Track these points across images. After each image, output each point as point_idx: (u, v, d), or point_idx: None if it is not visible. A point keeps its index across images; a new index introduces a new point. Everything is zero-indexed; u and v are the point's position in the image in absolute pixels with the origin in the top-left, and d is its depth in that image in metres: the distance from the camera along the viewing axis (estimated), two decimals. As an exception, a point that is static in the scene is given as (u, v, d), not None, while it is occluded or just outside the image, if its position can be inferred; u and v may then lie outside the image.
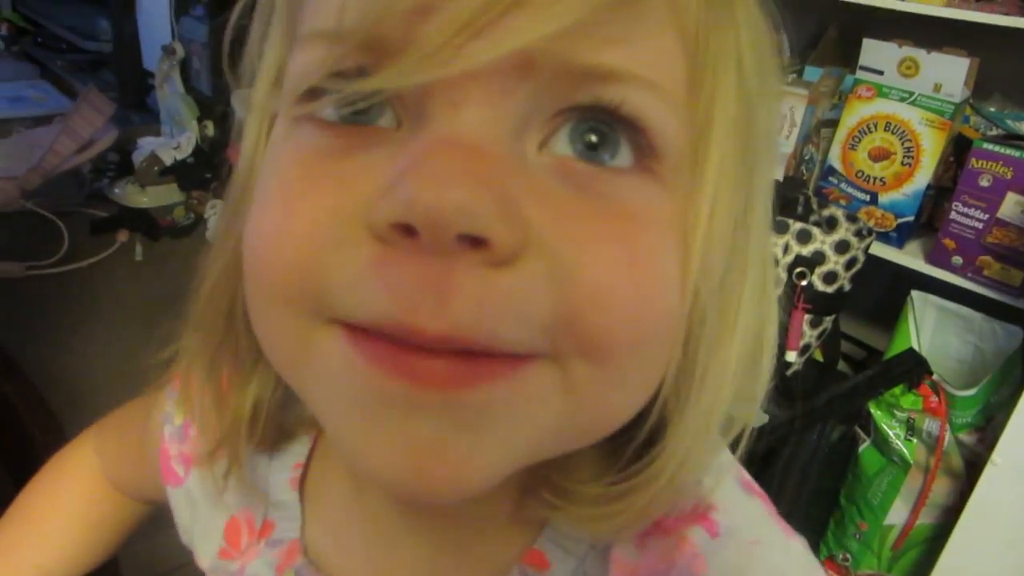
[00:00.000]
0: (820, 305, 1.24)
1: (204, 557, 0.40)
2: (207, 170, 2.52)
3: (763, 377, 0.29)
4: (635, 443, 0.27)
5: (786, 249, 1.24)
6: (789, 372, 1.29)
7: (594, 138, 0.22)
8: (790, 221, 1.25)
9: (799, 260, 1.23)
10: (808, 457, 1.26)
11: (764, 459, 1.32)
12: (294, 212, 0.22)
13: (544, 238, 0.21)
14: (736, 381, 0.27)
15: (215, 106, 2.62)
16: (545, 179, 0.22)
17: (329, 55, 0.22)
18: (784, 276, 1.24)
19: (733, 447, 0.29)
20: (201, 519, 0.40)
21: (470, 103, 0.21)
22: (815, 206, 1.37)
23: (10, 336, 1.11)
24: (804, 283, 1.22)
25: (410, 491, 0.22)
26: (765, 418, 1.37)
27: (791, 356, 1.26)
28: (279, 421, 0.35)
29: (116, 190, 2.47)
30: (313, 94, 0.23)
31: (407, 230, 0.20)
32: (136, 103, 2.93)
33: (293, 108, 0.24)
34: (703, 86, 0.24)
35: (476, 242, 0.20)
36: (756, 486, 0.34)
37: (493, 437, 0.22)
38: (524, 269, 0.21)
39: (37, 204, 2.26)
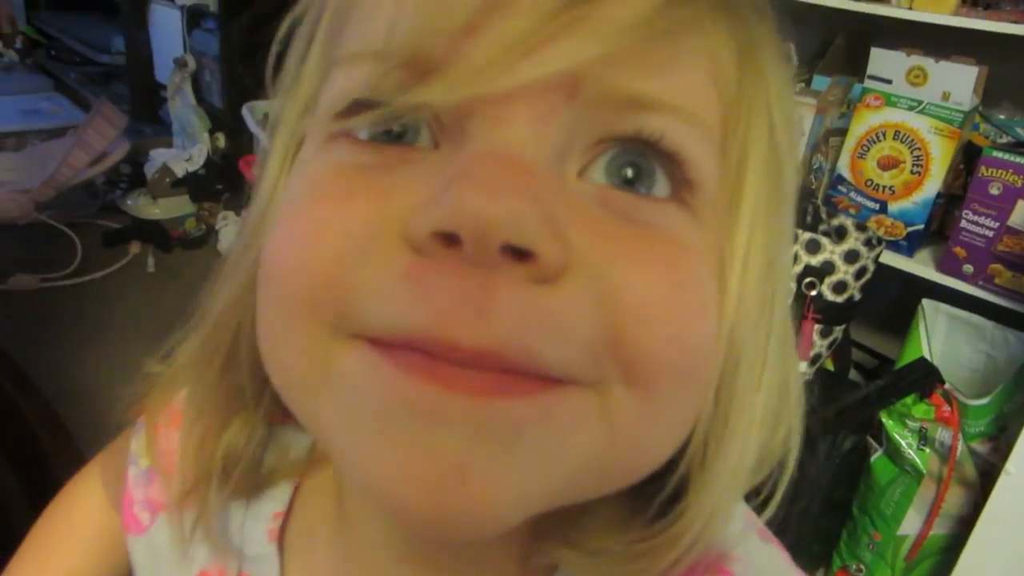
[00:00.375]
0: (830, 315, 1.24)
1: None
2: (218, 181, 2.54)
3: (787, 433, 0.28)
4: (661, 496, 0.26)
5: (795, 259, 1.24)
6: (813, 381, 1.28)
7: (630, 172, 0.23)
8: (799, 231, 1.25)
9: (808, 270, 1.23)
10: (820, 467, 1.25)
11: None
12: (325, 221, 0.22)
13: (587, 258, 0.21)
14: (762, 435, 0.26)
15: (226, 118, 2.64)
16: (586, 203, 0.22)
17: (374, 72, 0.22)
18: (793, 286, 1.24)
19: (763, 504, 0.29)
20: (165, 571, 0.37)
21: (515, 121, 0.21)
22: (824, 215, 1.37)
23: (24, 347, 1.12)
24: (813, 293, 1.22)
25: (426, 521, 0.20)
26: None
27: (801, 366, 1.26)
28: (256, 468, 0.33)
29: (128, 202, 2.49)
30: (353, 110, 0.23)
31: (448, 240, 0.19)
32: (148, 115, 2.95)
33: (331, 124, 0.23)
34: (737, 130, 0.24)
35: (521, 256, 0.19)
36: (769, 533, 0.33)
37: (523, 462, 0.20)
38: (567, 287, 0.20)
39: (50, 216, 2.28)
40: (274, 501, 0.34)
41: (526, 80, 0.20)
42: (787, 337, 0.28)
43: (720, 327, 0.24)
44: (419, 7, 0.21)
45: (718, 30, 0.24)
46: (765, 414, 0.26)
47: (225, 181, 2.54)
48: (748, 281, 0.25)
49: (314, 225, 0.22)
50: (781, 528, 1.28)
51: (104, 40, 3.34)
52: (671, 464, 0.25)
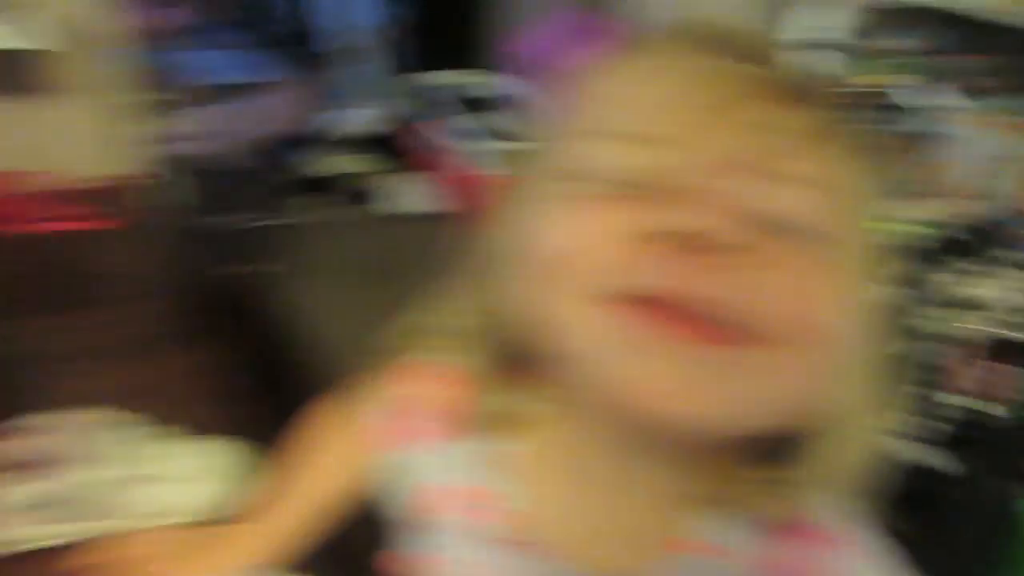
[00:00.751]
0: (1002, 351, 1.24)
1: (410, 501, 0.50)
2: (392, 143, 2.73)
3: (882, 449, 0.39)
4: (793, 446, 0.38)
5: (964, 293, 1.24)
6: (965, 418, 1.29)
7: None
8: (967, 262, 1.25)
9: (973, 303, 1.23)
10: (978, 507, 1.26)
11: (930, 504, 1.32)
12: (603, 222, 0.34)
13: (768, 261, 0.33)
14: (861, 437, 0.38)
15: (405, 85, 2.81)
16: (762, 232, 0.34)
17: (628, 146, 0.35)
18: (975, 320, 1.25)
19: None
20: (421, 481, 0.50)
21: (722, 181, 0.34)
22: (996, 246, 1.36)
23: (259, 280, 1.27)
24: (982, 328, 1.22)
25: (675, 412, 0.32)
26: (939, 461, 1.35)
27: (967, 401, 1.27)
28: (503, 416, 0.46)
29: (311, 157, 2.72)
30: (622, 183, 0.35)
31: (691, 237, 0.32)
32: (332, 76, 3.16)
33: (607, 187, 0.35)
34: (841, 205, 0.36)
35: (733, 250, 0.32)
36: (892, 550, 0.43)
37: (728, 388, 0.33)
38: (756, 275, 0.33)
39: (247, 165, 2.53)
40: (512, 440, 0.46)
41: (731, 161, 0.34)
42: (879, 370, 0.39)
43: (839, 323, 0.36)
44: (662, 114, 0.35)
45: (831, 145, 0.36)
46: (865, 417, 0.38)
47: (398, 144, 2.73)
48: (852, 302, 0.36)
49: (595, 226, 0.35)
50: (925, 566, 1.26)
51: (296, 3, 3.57)
52: (798, 433, 0.37)
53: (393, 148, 2.71)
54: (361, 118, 2.78)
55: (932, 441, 1.29)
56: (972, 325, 1.22)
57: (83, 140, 1.16)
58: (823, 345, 0.34)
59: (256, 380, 0.94)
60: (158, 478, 0.68)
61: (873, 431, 0.39)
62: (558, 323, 0.36)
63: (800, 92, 0.36)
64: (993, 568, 1.35)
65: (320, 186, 2.57)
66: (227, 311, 1.01)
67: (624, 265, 0.33)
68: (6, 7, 0.92)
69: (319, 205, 2.50)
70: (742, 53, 0.36)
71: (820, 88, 0.38)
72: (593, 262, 0.34)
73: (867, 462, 0.39)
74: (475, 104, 2.63)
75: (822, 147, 0.36)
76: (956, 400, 1.26)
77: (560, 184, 0.38)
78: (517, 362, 0.43)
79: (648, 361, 0.32)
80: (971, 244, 1.36)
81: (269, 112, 2.57)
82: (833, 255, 0.35)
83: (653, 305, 0.32)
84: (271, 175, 2.54)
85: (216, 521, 0.68)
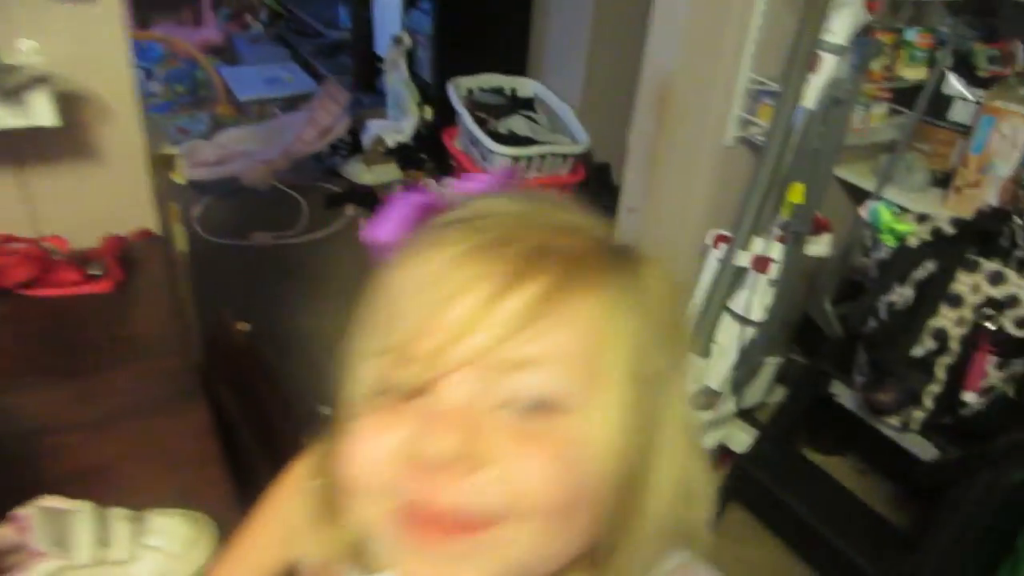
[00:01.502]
0: (1009, 348, 1.21)
1: None
2: (423, 152, 2.78)
3: (700, 510, 0.43)
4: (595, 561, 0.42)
5: (975, 289, 1.21)
6: (965, 411, 1.27)
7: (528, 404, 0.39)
8: (982, 260, 1.22)
9: (989, 302, 1.20)
10: (979, 497, 1.24)
11: (931, 496, 1.31)
12: (367, 445, 0.41)
13: (499, 454, 0.37)
14: (670, 515, 0.41)
15: (434, 93, 2.85)
16: (502, 423, 0.38)
17: (384, 363, 0.40)
18: (970, 316, 1.22)
19: None
20: None
21: (455, 384, 0.38)
22: (1020, 240, 1.32)
23: (260, 298, 1.31)
24: (992, 326, 1.19)
25: None
26: (936, 453, 1.35)
27: (969, 396, 1.24)
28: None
29: (346, 167, 2.79)
30: (379, 391, 0.41)
31: (429, 460, 0.37)
32: (367, 86, 3.25)
33: (374, 399, 0.41)
34: (601, 358, 0.39)
35: (465, 461, 0.37)
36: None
37: (477, 566, 0.39)
38: (487, 472, 0.37)
39: (282, 182, 2.62)
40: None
41: (457, 362, 0.37)
42: (682, 446, 0.42)
43: (600, 464, 0.39)
44: (402, 330, 0.39)
45: (580, 301, 0.38)
46: (670, 500, 0.41)
47: (429, 152, 2.77)
48: (618, 438, 0.39)
49: (362, 446, 0.41)
50: (923, 557, 1.27)
51: (332, 15, 3.67)
52: (596, 545, 0.41)
53: (422, 155, 2.76)
54: (393, 127, 2.83)
55: (950, 436, 1.27)
56: (986, 323, 1.19)
57: (93, 204, 1.19)
58: (567, 507, 0.38)
59: (255, 438, 0.94)
60: (132, 560, 0.70)
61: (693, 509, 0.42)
62: (356, 519, 0.43)
63: (540, 259, 0.38)
64: (1006, 560, 1.32)
65: (354, 197, 2.64)
66: (229, 368, 1.01)
67: (390, 484, 0.40)
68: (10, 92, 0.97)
69: (350, 217, 2.57)
70: (492, 234, 0.39)
71: (574, 242, 0.40)
72: (367, 482, 0.41)
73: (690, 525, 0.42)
74: (497, 109, 2.65)
75: (558, 317, 0.38)
76: (971, 397, 1.23)
77: (354, 403, 0.43)
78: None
79: (416, 556, 0.40)
80: (996, 239, 1.32)
81: (306, 126, 2.64)
82: (584, 417, 0.39)
83: (414, 513, 0.39)
84: (307, 191, 2.63)
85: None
